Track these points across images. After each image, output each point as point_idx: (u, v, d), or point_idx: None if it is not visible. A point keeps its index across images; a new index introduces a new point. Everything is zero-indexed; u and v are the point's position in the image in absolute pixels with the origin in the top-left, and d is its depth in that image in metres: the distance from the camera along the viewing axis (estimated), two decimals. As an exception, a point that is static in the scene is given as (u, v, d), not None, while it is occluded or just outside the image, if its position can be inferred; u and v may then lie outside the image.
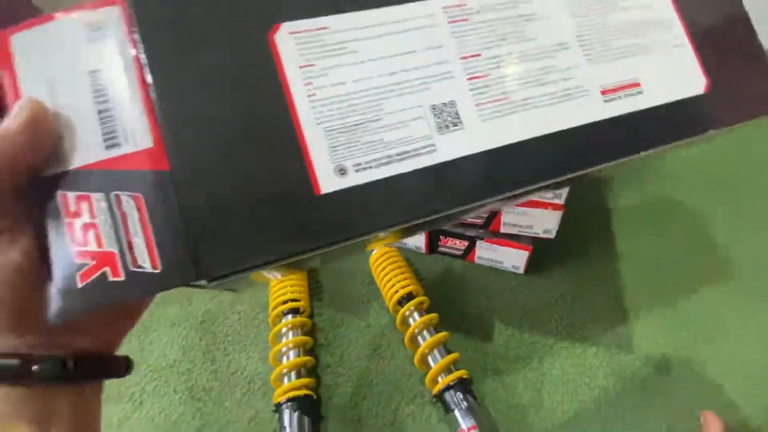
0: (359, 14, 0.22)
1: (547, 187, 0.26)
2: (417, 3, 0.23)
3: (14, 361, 0.18)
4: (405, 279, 0.63)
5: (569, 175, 0.23)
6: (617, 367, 0.57)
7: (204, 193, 0.18)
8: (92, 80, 0.19)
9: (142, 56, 0.18)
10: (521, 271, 0.69)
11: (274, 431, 0.54)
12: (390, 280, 0.64)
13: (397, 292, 0.62)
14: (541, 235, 0.63)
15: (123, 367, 0.22)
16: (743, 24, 0.29)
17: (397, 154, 0.21)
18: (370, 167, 0.20)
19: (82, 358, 0.20)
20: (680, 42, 0.27)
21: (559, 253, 0.71)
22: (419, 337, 0.57)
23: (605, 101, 0.24)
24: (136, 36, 0.19)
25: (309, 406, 0.52)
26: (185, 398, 0.58)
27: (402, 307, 0.60)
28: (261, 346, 0.64)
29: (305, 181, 0.19)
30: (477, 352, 0.60)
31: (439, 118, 0.22)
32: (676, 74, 0.26)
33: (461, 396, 0.50)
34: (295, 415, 0.51)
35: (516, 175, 0.22)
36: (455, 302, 0.67)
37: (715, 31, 0.28)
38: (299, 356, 0.58)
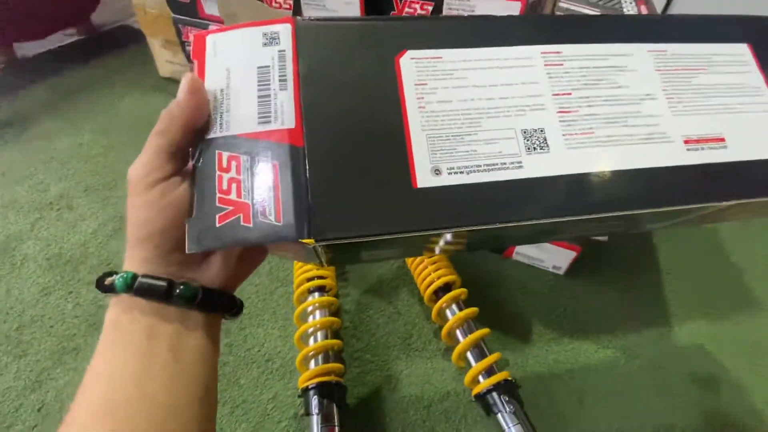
0: (469, 50, 0.26)
1: (606, 225, 0.28)
2: (519, 47, 0.26)
3: (163, 283, 0.22)
4: (442, 268, 0.59)
5: (643, 210, 0.24)
6: (663, 384, 0.54)
7: (326, 170, 0.22)
8: (259, 73, 0.24)
9: (299, 63, 0.24)
10: (562, 272, 0.65)
11: (294, 415, 0.50)
12: (426, 268, 0.60)
13: (433, 282, 0.57)
14: (596, 237, 0.59)
15: (238, 307, 0.26)
16: None
17: (487, 165, 0.23)
18: (462, 172, 0.23)
19: (208, 290, 0.23)
20: None
21: (601, 259, 0.67)
22: (458, 332, 0.53)
23: (687, 149, 0.25)
24: (297, 49, 0.24)
25: (338, 394, 0.48)
26: (197, 371, 0.54)
27: (439, 298, 0.56)
28: (280, 322, 0.59)
29: (406, 175, 0.23)
30: (515, 353, 0.57)
31: (528, 140, 0.24)
32: (762, 135, 0.27)
33: (506, 399, 0.46)
34: (324, 402, 0.46)
35: (592, 201, 0.24)
36: (491, 298, 0.63)
37: None
38: (327, 338, 0.53)
